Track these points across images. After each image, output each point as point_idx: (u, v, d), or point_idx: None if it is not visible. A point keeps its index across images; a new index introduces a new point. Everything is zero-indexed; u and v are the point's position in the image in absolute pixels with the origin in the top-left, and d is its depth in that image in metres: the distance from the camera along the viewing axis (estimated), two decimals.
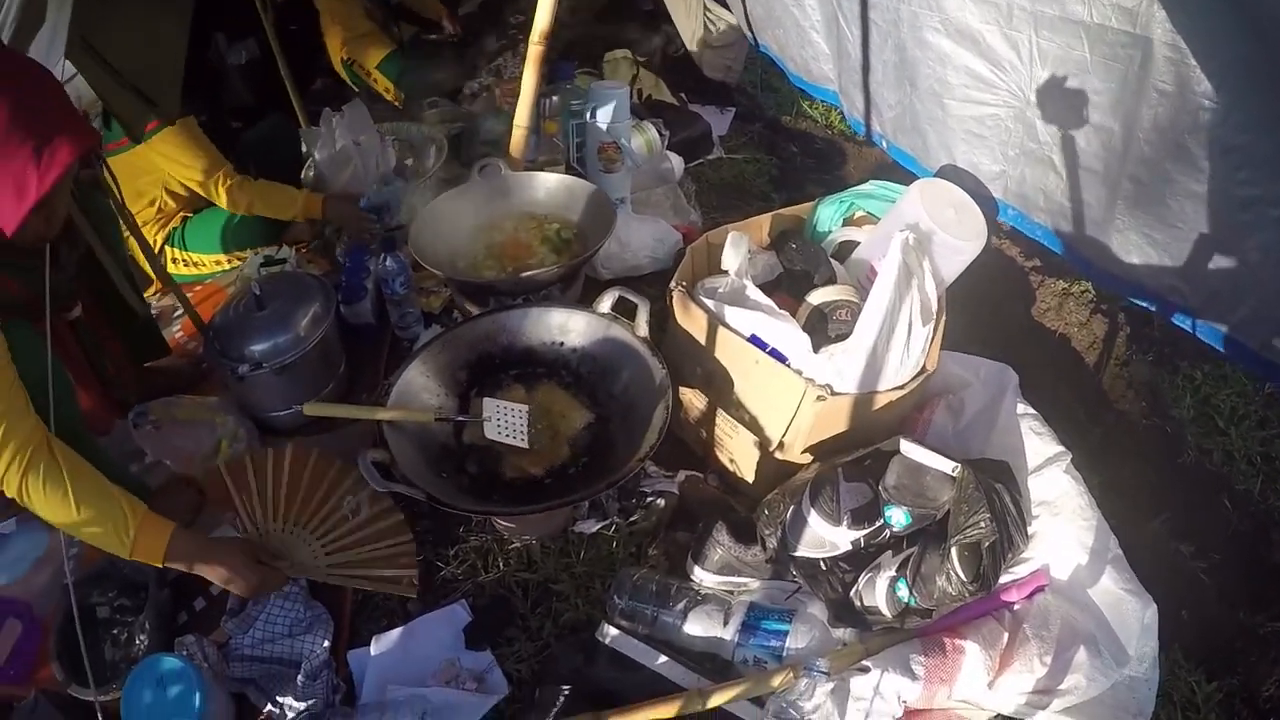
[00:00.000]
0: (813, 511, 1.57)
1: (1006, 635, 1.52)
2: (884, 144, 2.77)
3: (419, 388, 1.76)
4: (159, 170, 2.51)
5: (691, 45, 3.50)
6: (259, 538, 1.77)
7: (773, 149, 3.35)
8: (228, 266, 2.76)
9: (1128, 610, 1.53)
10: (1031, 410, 1.80)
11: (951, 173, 2.40)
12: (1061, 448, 1.71)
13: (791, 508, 1.63)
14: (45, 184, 1.41)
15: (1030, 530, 1.63)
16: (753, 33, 3.49)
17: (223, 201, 2.50)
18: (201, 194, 2.52)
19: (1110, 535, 1.63)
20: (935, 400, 1.95)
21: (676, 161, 2.82)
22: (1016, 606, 1.58)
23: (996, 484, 1.53)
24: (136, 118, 2.50)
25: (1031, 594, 1.57)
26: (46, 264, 1.52)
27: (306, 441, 1.99)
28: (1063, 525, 1.63)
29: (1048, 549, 1.62)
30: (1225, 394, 2.22)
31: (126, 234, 2.18)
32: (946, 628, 1.56)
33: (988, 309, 2.49)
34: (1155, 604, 1.53)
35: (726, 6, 3.56)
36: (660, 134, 2.73)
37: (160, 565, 1.54)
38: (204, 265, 2.75)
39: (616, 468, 1.56)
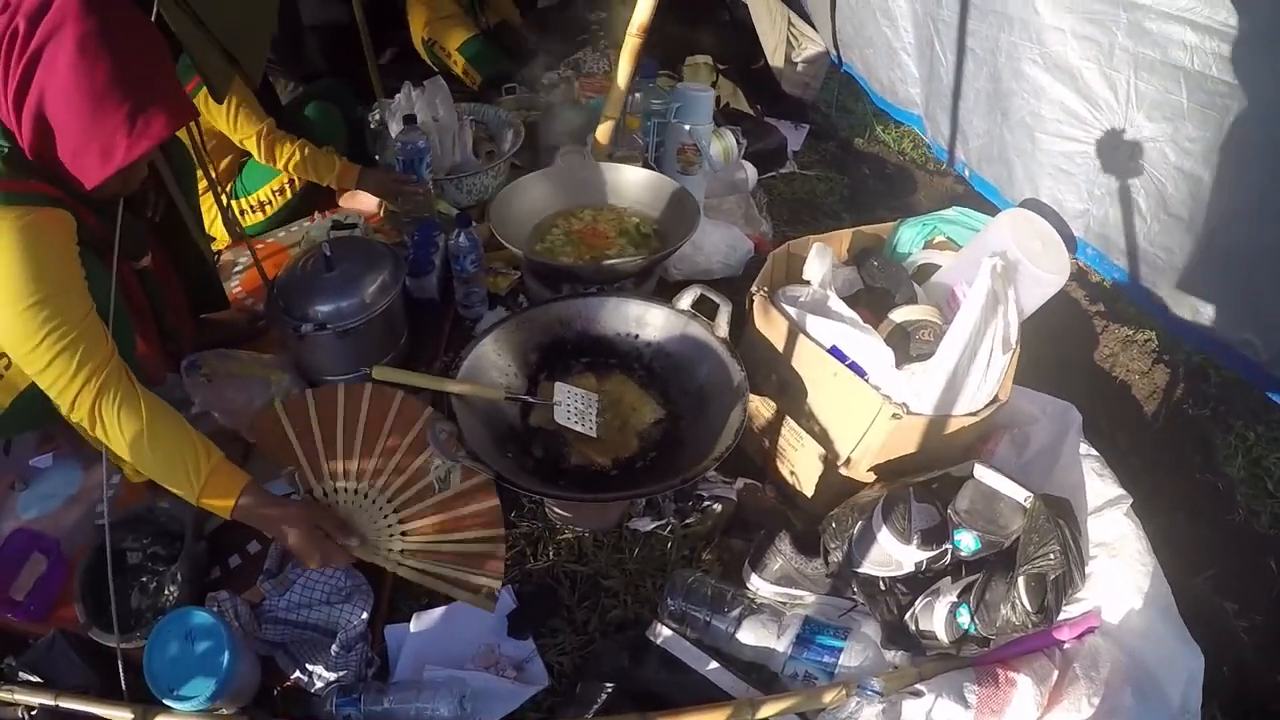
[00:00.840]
0: (884, 528, 1.53)
1: (1056, 672, 1.49)
2: (966, 172, 2.73)
3: (489, 364, 1.74)
4: (209, 127, 2.51)
5: (773, 59, 3.47)
6: (324, 499, 1.68)
7: (845, 169, 3.32)
8: (289, 195, 2.75)
9: (1177, 661, 1.50)
10: (1094, 451, 1.78)
11: (1034, 206, 2.34)
12: (1123, 491, 1.68)
13: (860, 523, 1.59)
14: (133, 153, 1.36)
15: (1087, 570, 1.59)
16: (837, 50, 3.47)
17: (263, 157, 2.46)
18: (250, 151, 2.49)
19: (1165, 584, 1.59)
20: (1000, 432, 1.91)
21: (750, 171, 2.79)
22: (1067, 645, 1.54)
23: (1061, 522, 1.49)
24: (223, 78, 2.50)
25: (1083, 634, 1.53)
26: (119, 214, 1.47)
27: None
28: (1120, 568, 1.59)
29: (1102, 590, 1.58)
30: (1276, 457, 2.18)
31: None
32: (999, 659, 1.52)
33: (1050, 347, 2.44)
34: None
35: (811, 23, 3.54)
36: (738, 142, 2.71)
37: (227, 518, 1.50)
38: (270, 202, 2.74)
39: (686, 466, 1.53)
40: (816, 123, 3.59)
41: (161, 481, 1.46)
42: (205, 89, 2.06)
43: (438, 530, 1.64)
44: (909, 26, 2.86)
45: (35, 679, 1.54)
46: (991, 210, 2.48)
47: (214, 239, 2.60)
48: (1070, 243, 2.29)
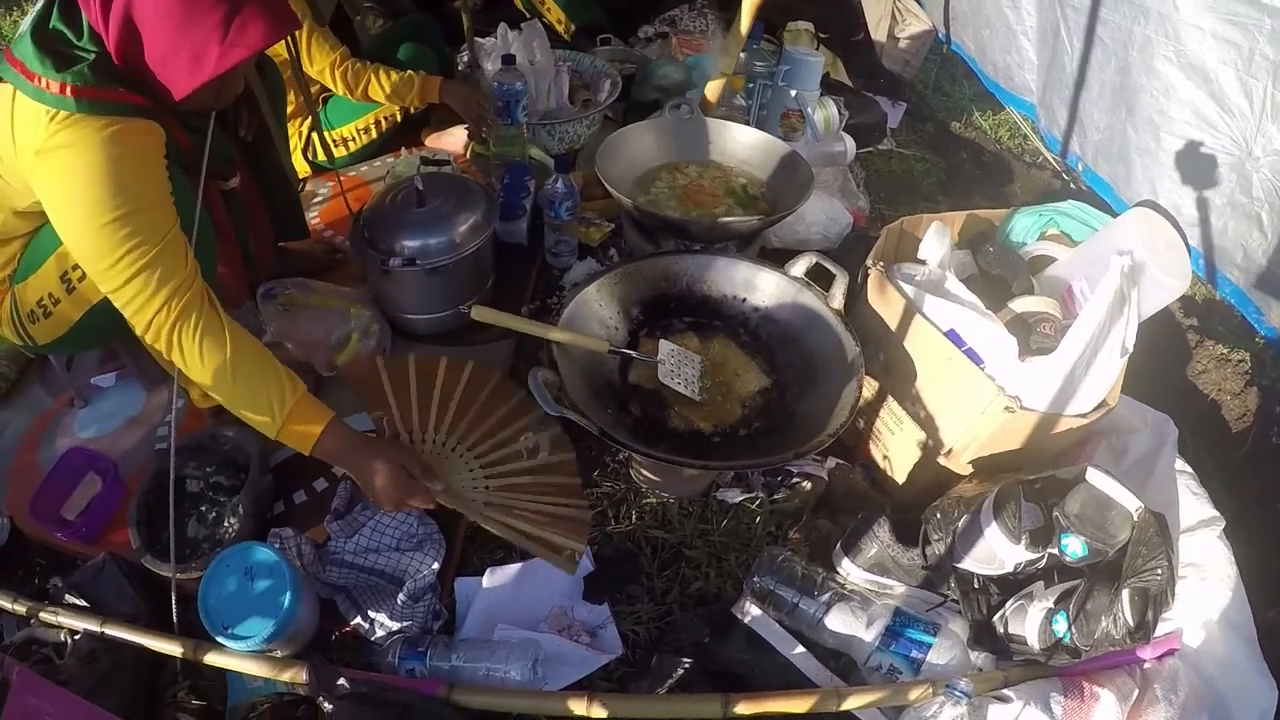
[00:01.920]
0: (994, 524, 1.47)
1: (1137, 691, 1.43)
2: (1079, 166, 2.62)
3: (591, 314, 1.68)
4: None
5: (875, 32, 3.37)
6: (411, 444, 1.63)
7: (942, 151, 3.22)
8: (374, 135, 2.71)
9: (1252, 692, 1.45)
10: (1189, 469, 1.73)
11: (1152, 208, 2.26)
12: (1216, 512, 1.63)
13: (966, 517, 1.53)
14: (225, 62, 1.28)
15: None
16: (947, 28, 3.34)
17: (339, 87, 2.44)
18: (324, 83, 2.46)
19: (1249, 612, 1.53)
20: (1099, 438, 1.83)
21: (850, 144, 2.69)
22: (1148, 665, 1.48)
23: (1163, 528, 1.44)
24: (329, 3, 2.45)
25: (1164, 655, 1.47)
26: (210, 130, 1.43)
27: (441, 351, 1.90)
28: (1207, 591, 1.54)
29: (1187, 612, 1.52)
30: None
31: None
32: (1083, 672, 1.46)
33: (1142, 356, 2.35)
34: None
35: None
36: (840, 113, 2.61)
37: (307, 454, 1.43)
38: (354, 139, 2.70)
39: (796, 442, 1.46)
40: (913, 102, 3.48)
41: (241, 411, 1.40)
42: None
43: (524, 490, 1.61)
44: (1032, 10, 2.74)
45: (82, 603, 1.50)
46: (1102, 206, 2.39)
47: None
48: (1186, 248, 2.21)
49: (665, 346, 1.61)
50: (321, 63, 2.39)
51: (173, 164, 1.38)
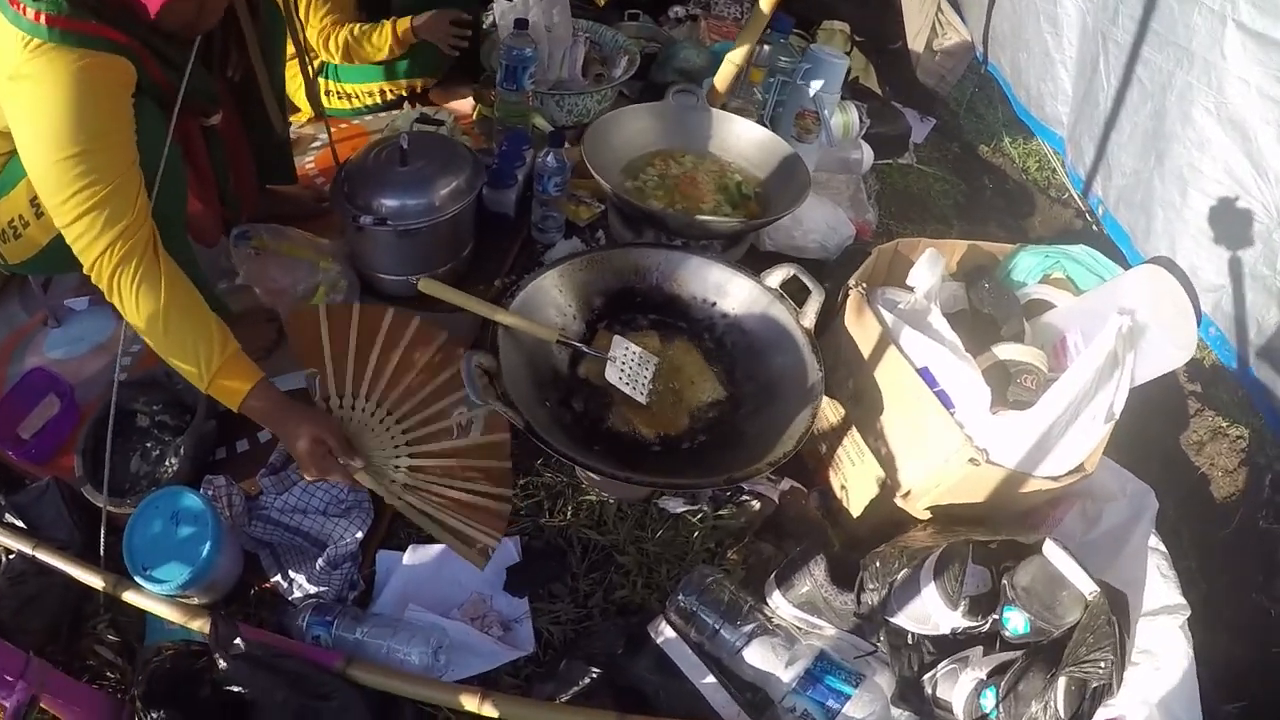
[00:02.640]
0: (932, 585, 1.38)
1: None
2: (1100, 209, 2.51)
3: (547, 301, 1.60)
4: None
5: (913, 42, 3.25)
6: (339, 413, 1.61)
7: (964, 174, 3.11)
8: (379, 100, 2.66)
9: None
10: (1162, 548, 1.64)
11: (1167, 266, 2.15)
12: (1183, 600, 1.55)
13: (906, 571, 1.44)
14: None
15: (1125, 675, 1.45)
16: (984, 47, 3.23)
17: (338, 57, 2.44)
18: (319, 52, 2.44)
19: (1198, 709, 1.46)
20: (1073, 500, 1.75)
21: (867, 153, 2.59)
22: None
23: (1116, 617, 1.35)
24: None
25: None
26: (189, 65, 1.40)
27: (408, 312, 1.84)
28: (1159, 684, 1.46)
29: (1132, 700, 1.44)
30: None
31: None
32: None
33: (1135, 419, 2.26)
34: None
35: (960, 12, 3.29)
36: (861, 120, 2.51)
37: (235, 410, 1.43)
38: (358, 98, 2.65)
39: (735, 464, 1.38)
40: (944, 119, 3.37)
41: (171, 360, 1.41)
42: None
43: (445, 474, 1.59)
44: (1074, 38, 2.64)
45: (20, 524, 1.52)
46: (1115, 255, 2.29)
47: (297, 109, 2.50)
48: (1196, 315, 2.10)
49: (619, 343, 1.53)
50: (312, 29, 2.35)
51: (144, 100, 1.39)
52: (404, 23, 2.42)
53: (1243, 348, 2.01)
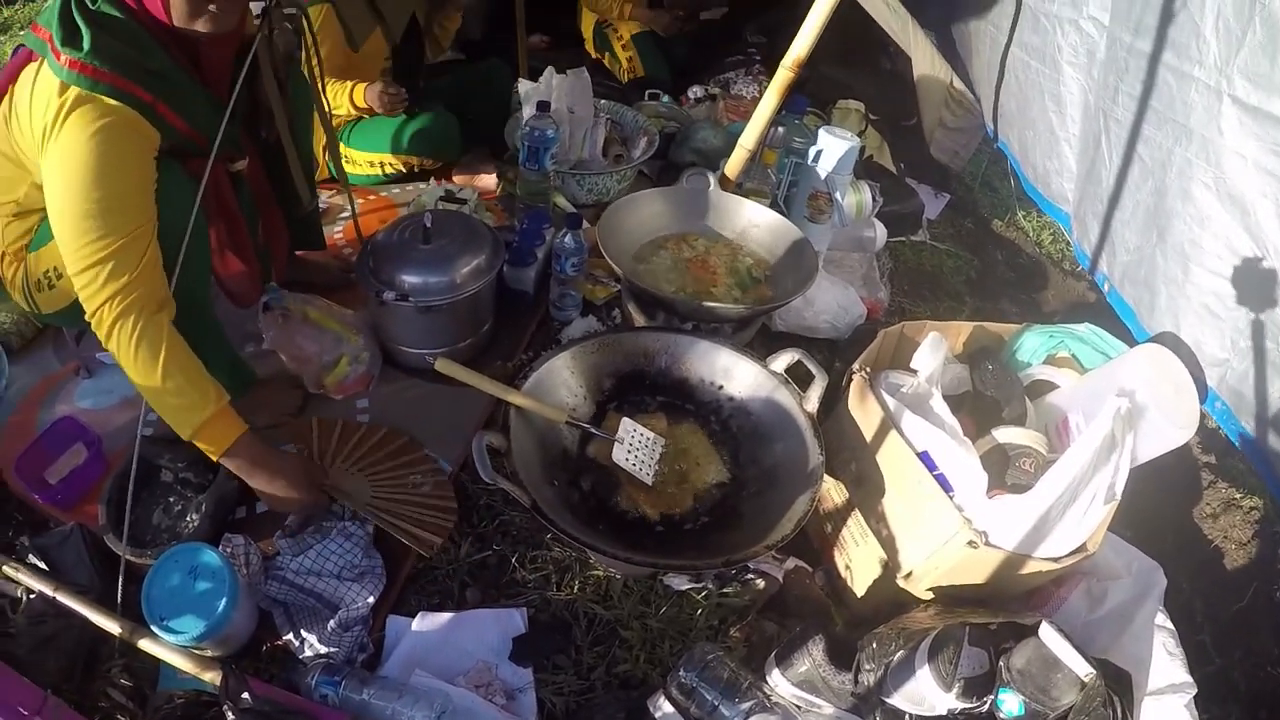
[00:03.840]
0: (926, 667, 1.40)
1: None
2: (1105, 286, 2.54)
3: (559, 381, 1.66)
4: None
5: (926, 119, 3.31)
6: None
7: (977, 249, 3.14)
8: (380, 172, 2.77)
9: None
10: (1169, 625, 1.63)
11: (1171, 342, 2.17)
12: (1190, 679, 1.53)
13: (902, 652, 1.46)
14: None
15: None
16: (994, 124, 3.29)
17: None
18: None
19: None
20: (1077, 579, 1.76)
21: (880, 232, 2.65)
22: None
23: (1115, 697, 1.36)
24: (361, 27, 2.48)
25: None
26: (222, 122, 1.45)
27: (426, 387, 1.96)
28: None
29: None
30: None
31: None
32: None
33: (1147, 488, 2.25)
34: None
35: (973, 90, 3.36)
36: (874, 199, 2.57)
37: (215, 458, 1.50)
38: (359, 165, 2.76)
39: (735, 546, 1.42)
40: (958, 194, 3.42)
41: (162, 415, 1.47)
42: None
43: (402, 499, 1.74)
44: (1076, 116, 2.68)
45: (42, 565, 1.57)
46: (1122, 332, 2.31)
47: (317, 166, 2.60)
48: (1202, 390, 2.11)
49: (626, 425, 1.58)
50: None
51: (170, 161, 1.46)
52: (360, 91, 2.53)
53: (1248, 421, 2.00)
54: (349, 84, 2.54)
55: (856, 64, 3.69)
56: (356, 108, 2.57)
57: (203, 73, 1.54)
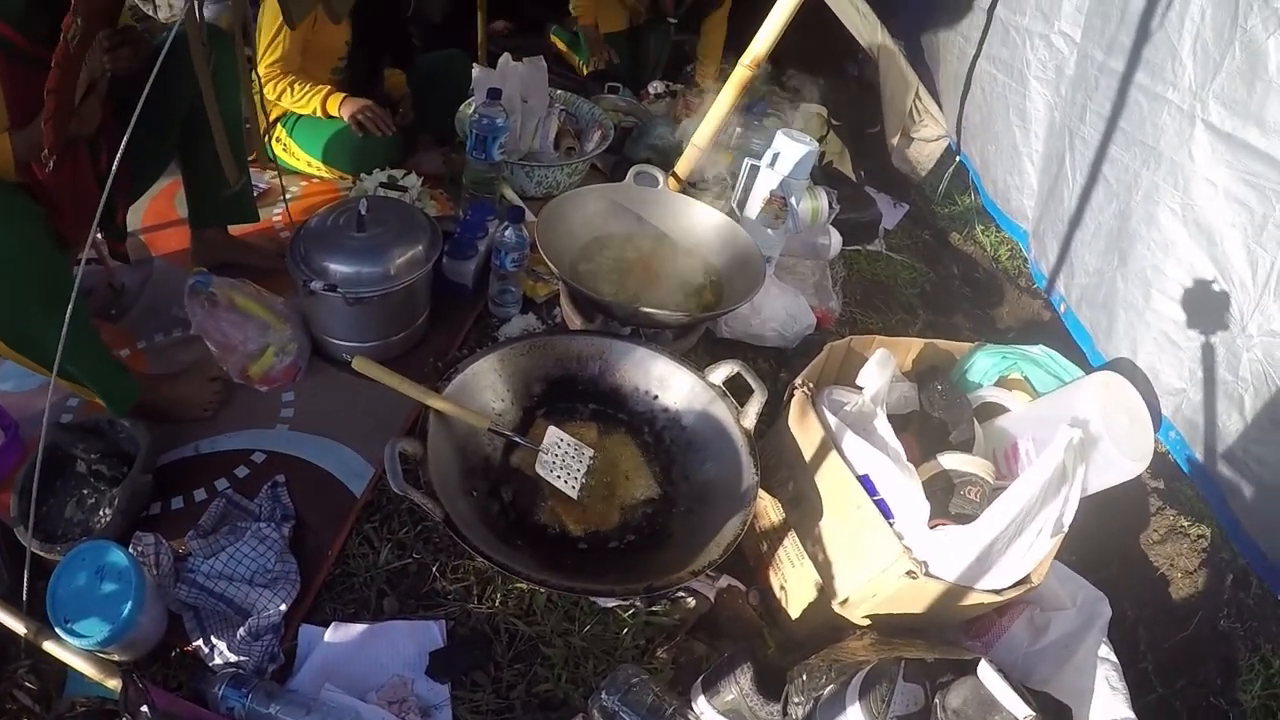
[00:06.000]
0: (857, 704, 1.33)
1: None
2: (1061, 307, 2.50)
3: (485, 385, 1.57)
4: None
5: (890, 128, 3.27)
6: None
7: (933, 262, 3.10)
8: (320, 173, 2.68)
9: None
10: (1113, 658, 1.62)
11: (1127, 369, 2.13)
12: (1132, 714, 1.52)
13: (833, 686, 1.39)
14: None
15: None
16: (958, 137, 3.24)
17: (267, 90, 2.43)
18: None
19: None
20: (1020, 608, 1.71)
21: (835, 240, 2.58)
22: None
23: None
24: (301, 6, 2.36)
25: None
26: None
27: (357, 382, 1.76)
28: None
29: None
30: None
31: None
32: None
33: (1094, 516, 2.22)
34: None
35: (939, 100, 3.32)
36: (830, 206, 2.50)
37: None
38: (298, 160, 2.66)
39: (660, 570, 1.34)
40: (917, 205, 3.38)
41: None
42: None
43: None
44: (1040, 132, 2.64)
45: None
46: (1077, 355, 2.27)
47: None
48: (1156, 420, 2.08)
49: (552, 434, 1.50)
50: (262, 63, 2.39)
51: None
52: (335, 100, 2.45)
53: (1202, 452, 1.98)
54: (323, 89, 2.46)
55: (824, 69, 3.65)
56: (328, 116, 2.49)
57: None
